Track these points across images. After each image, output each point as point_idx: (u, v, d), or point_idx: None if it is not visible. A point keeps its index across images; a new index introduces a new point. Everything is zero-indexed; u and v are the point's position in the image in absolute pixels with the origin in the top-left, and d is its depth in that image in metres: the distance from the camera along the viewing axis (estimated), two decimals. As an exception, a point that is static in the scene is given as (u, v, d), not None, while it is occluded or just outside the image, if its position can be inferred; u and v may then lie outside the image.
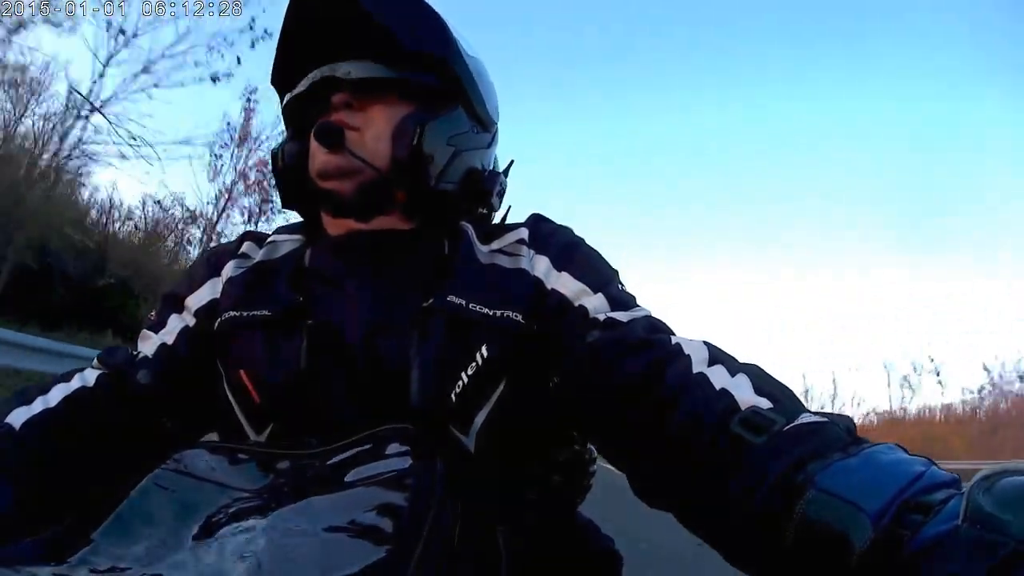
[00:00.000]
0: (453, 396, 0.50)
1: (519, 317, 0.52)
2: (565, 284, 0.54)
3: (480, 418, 0.50)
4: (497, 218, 0.67)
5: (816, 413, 0.40)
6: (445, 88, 0.59)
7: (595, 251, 0.59)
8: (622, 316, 0.51)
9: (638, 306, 0.54)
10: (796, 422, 0.38)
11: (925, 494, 0.31)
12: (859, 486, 0.32)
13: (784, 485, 0.35)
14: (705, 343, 0.47)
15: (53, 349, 5.77)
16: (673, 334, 0.50)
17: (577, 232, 0.62)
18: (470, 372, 0.50)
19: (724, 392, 0.42)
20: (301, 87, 0.60)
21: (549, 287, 0.55)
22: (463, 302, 0.52)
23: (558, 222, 0.63)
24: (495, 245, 0.59)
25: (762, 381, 0.43)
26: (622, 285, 0.56)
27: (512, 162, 0.69)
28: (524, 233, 0.59)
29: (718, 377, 0.43)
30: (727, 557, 0.39)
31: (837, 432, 0.37)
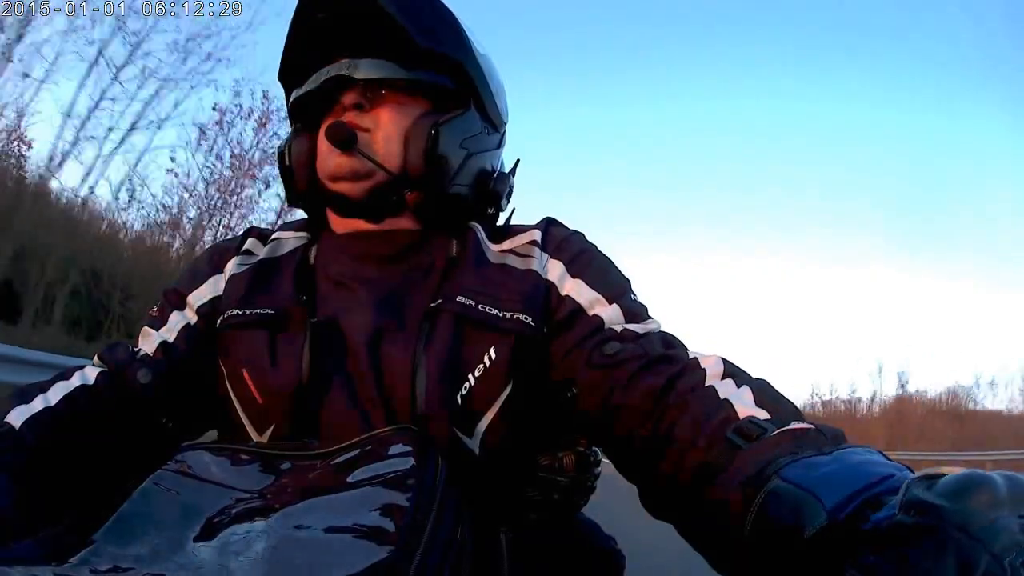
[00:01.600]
0: (459, 398, 0.50)
1: (529, 319, 0.52)
2: (579, 292, 0.54)
3: (485, 420, 0.50)
4: (503, 218, 0.67)
5: (808, 422, 0.40)
6: (458, 89, 0.59)
7: (609, 259, 0.59)
8: (638, 329, 0.51)
9: (650, 317, 0.54)
10: (783, 428, 0.39)
11: (889, 494, 0.31)
12: (821, 479, 0.32)
13: (755, 479, 0.35)
14: (722, 359, 0.47)
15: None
16: (687, 349, 0.51)
17: (589, 237, 0.61)
18: (477, 374, 0.50)
19: (726, 402, 0.43)
20: (311, 85, 0.58)
21: (563, 293, 0.55)
22: (472, 303, 0.52)
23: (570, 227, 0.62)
24: (506, 245, 0.58)
25: (765, 395, 0.43)
26: (635, 295, 0.56)
27: (518, 161, 0.69)
28: (536, 235, 0.58)
29: (724, 389, 0.44)
30: (713, 565, 0.39)
31: (819, 437, 0.38)
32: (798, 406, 0.44)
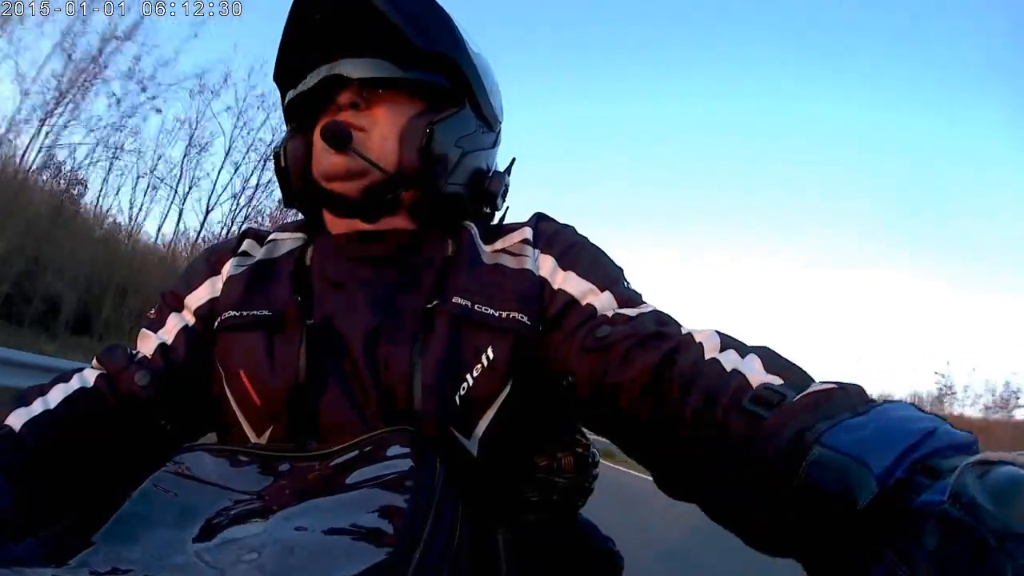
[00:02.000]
0: (457, 399, 0.49)
1: (525, 318, 0.52)
2: (572, 284, 0.54)
3: (484, 421, 0.50)
4: (497, 217, 0.67)
5: (826, 382, 0.39)
6: (453, 88, 0.59)
7: (600, 249, 0.59)
8: (631, 312, 0.51)
9: (645, 302, 0.54)
10: (806, 392, 0.38)
11: (939, 457, 0.30)
12: (865, 442, 0.32)
13: (792, 448, 0.34)
14: (716, 331, 0.47)
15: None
16: (682, 326, 0.50)
17: (580, 230, 0.61)
18: (475, 374, 0.50)
19: (736, 372, 0.42)
20: (306, 85, 0.59)
21: (556, 287, 0.54)
22: (468, 303, 0.52)
23: (561, 221, 0.62)
24: (499, 245, 0.58)
25: (773, 361, 0.42)
26: (628, 283, 0.56)
27: (514, 160, 0.69)
28: (528, 232, 0.58)
29: (729, 360, 0.43)
30: (747, 539, 0.38)
31: (847, 396, 0.36)
32: None
